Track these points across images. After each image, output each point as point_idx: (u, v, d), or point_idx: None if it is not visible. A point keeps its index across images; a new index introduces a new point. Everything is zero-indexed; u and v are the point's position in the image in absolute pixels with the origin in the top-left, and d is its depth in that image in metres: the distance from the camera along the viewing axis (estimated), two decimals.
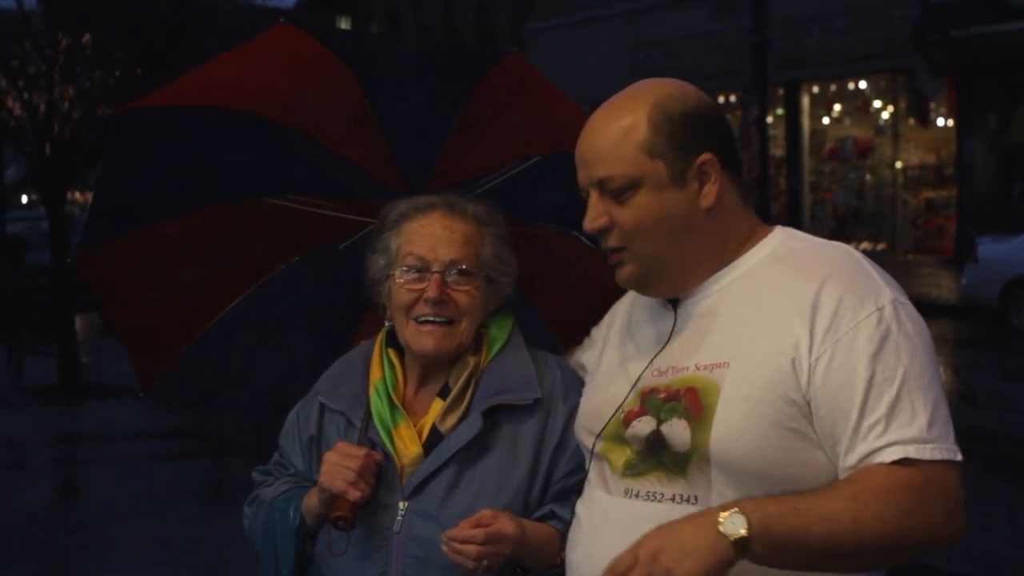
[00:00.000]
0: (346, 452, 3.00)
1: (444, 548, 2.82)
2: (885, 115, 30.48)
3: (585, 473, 2.88)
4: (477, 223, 3.15)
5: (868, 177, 31.26)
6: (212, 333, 3.72)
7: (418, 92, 3.37)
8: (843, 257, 2.68)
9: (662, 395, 2.68)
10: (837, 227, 31.06)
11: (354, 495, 2.94)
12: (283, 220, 3.57)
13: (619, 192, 2.67)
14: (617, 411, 2.77)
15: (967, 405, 14.01)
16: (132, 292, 3.68)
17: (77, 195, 44.26)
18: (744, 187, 2.81)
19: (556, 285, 3.72)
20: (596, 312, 3.22)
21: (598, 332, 3.20)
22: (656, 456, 2.65)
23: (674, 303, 2.81)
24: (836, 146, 31.68)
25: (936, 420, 2.47)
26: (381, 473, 3.03)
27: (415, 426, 3.08)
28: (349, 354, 3.32)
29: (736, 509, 2.35)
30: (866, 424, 2.47)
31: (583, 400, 3.01)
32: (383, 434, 3.07)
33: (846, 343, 2.51)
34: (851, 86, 30.76)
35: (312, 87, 3.34)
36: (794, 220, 29.91)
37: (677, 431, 2.61)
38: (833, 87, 31.22)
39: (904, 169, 30.31)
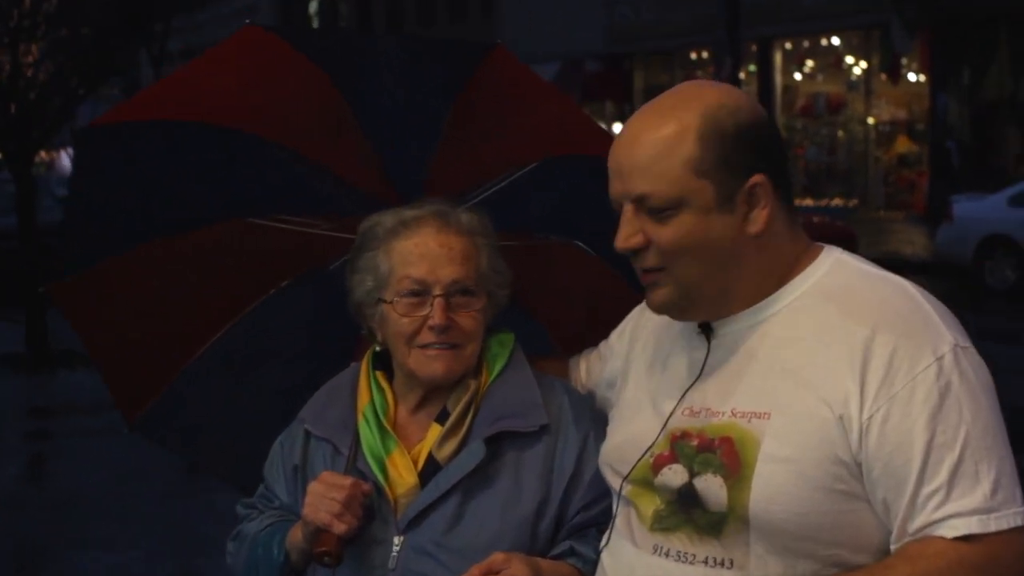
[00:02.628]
0: (331, 482, 2.80)
1: None
2: (858, 71, 30.47)
3: (612, 515, 2.67)
4: (471, 234, 2.93)
5: (840, 133, 31.26)
6: (198, 366, 3.53)
7: (402, 96, 3.14)
8: (897, 296, 2.42)
9: (695, 442, 2.45)
10: (809, 183, 31.07)
11: (339, 528, 2.74)
12: (270, 242, 3.36)
13: (659, 211, 2.42)
14: (645, 454, 2.55)
15: None
16: (109, 324, 3.47)
17: (43, 154, 43.67)
18: (793, 210, 2.54)
19: (560, 299, 3.52)
20: (603, 326, 3.03)
21: (619, 342, 2.97)
22: (687, 511, 2.43)
23: (706, 329, 2.57)
24: (808, 102, 31.67)
25: (1001, 484, 2.24)
26: (373, 505, 2.83)
27: (409, 453, 2.88)
28: (336, 378, 3.11)
29: None
30: (924, 493, 2.24)
31: (610, 431, 2.78)
32: (372, 463, 2.86)
33: (902, 400, 2.27)
34: (824, 42, 30.73)
35: (288, 94, 3.12)
36: None
37: (712, 488, 2.39)
38: (806, 43, 31.17)
39: (876, 125, 30.27)
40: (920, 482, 2.24)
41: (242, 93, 3.10)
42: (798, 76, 31.73)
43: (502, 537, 2.75)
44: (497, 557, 2.64)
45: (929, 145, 28.24)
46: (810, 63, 31.53)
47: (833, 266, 2.52)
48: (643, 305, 2.91)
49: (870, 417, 2.28)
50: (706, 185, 2.41)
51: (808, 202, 29.71)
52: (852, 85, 30.65)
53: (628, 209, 2.45)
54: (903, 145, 30.00)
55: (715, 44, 27.20)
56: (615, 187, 2.49)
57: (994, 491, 2.22)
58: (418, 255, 2.87)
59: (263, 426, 3.22)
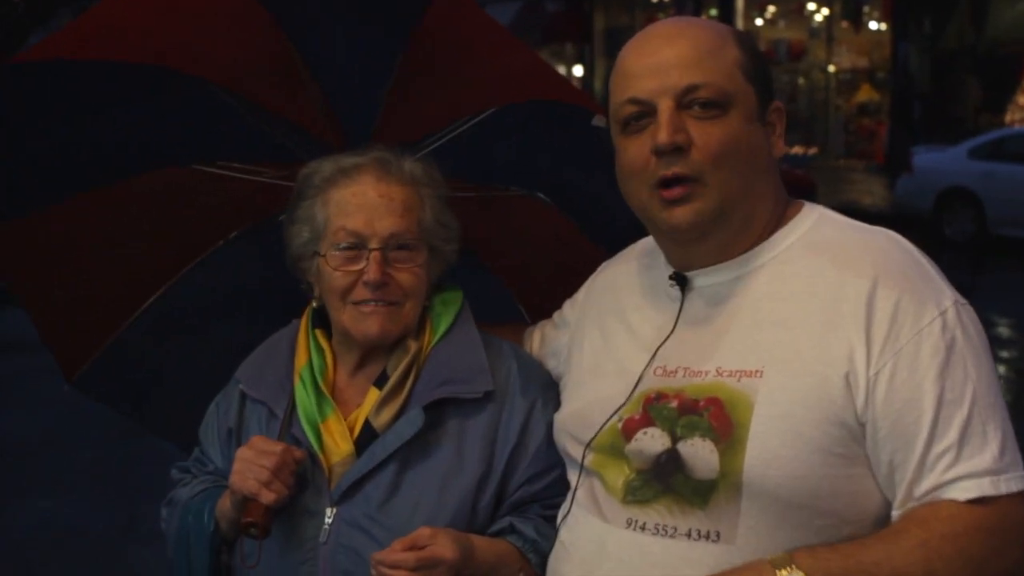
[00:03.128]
0: (260, 448, 2.60)
1: (372, 572, 2.44)
2: (819, 18, 30.29)
3: (568, 487, 2.49)
4: (415, 184, 2.72)
5: (801, 80, 31.13)
6: (141, 322, 3.35)
7: (350, 36, 2.89)
8: (894, 248, 2.29)
9: (674, 404, 2.28)
10: None
11: (268, 497, 2.55)
12: (216, 190, 3.14)
13: (708, 105, 2.26)
14: (612, 417, 2.38)
15: None
16: (45, 278, 3.27)
17: None
18: None
19: (522, 254, 3.33)
20: (566, 283, 2.84)
21: (571, 310, 2.80)
22: (664, 480, 2.26)
23: (680, 281, 2.41)
24: (769, 48, 31.45)
25: (1008, 445, 2.13)
26: (306, 474, 2.64)
27: (347, 419, 2.68)
28: (275, 335, 2.90)
29: (792, 565, 2.05)
30: (935, 452, 2.11)
31: (566, 398, 2.61)
32: (308, 428, 2.67)
33: (909, 354, 2.14)
34: None
35: (229, 33, 2.86)
36: None
37: (701, 454, 2.22)
38: None
39: (837, 73, 30.17)
40: (931, 440, 2.11)
41: (181, 32, 2.84)
42: (759, 21, 31.52)
43: (440, 512, 2.57)
44: (423, 532, 2.46)
45: (890, 94, 28.14)
46: (772, 8, 31.35)
47: (819, 220, 2.39)
48: (599, 270, 2.77)
49: (877, 372, 2.15)
50: (751, 91, 2.31)
51: None
52: (814, 32, 30.50)
53: (668, 106, 2.27)
54: (864, 93, 29.90)
55: None
56: (646, 85, 2.30)
57: (1002, 452, 2.12)
58: (355, 205, 2.66)
59: (211, 385, 3.02)
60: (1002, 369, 11.74)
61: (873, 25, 28.90)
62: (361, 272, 2.63)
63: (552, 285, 2.95)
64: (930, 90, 27.38)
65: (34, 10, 16.58)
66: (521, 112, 2.90)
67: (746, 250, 2.35)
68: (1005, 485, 2.08)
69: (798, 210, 2.41)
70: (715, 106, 2.26)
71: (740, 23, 31.23)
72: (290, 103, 2.99)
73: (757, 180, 2.32)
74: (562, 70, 38.54)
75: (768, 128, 2.35)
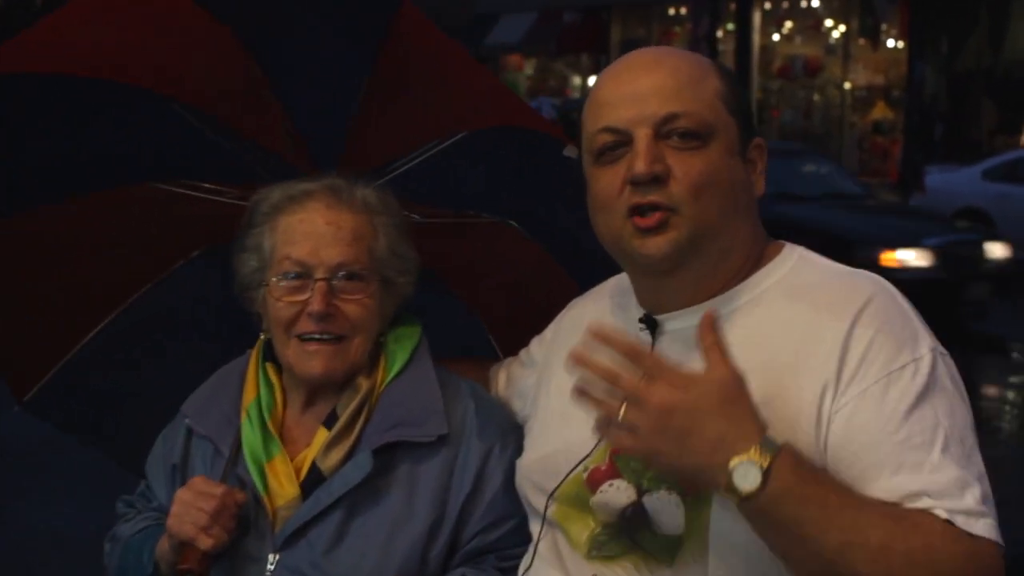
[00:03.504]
0: (200, 489, 2.48)
1: None
2: (836, 34, 30.22)
3: (529, 539, 2.37)
4: (367, 212, 2.59)
5: (816, 97, 31.05)
6: (96, 342, 3.22)
7: (315, 58, 2.77)
8: (876, 292, 2.16)
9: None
10: None
11: (205, 543, 2.43)
12: (176, 209, 3.01)
13: (688, 135, 2.15)
14: (577, 467, 2.25)
15: None
16: None
17: None
18: None
19: (494, 283, 3.21)
20: (539, 315, 2.72)
21: (539, 348, 2.68)
22: (632, 535, 2.14)
23: (649, 324, 2.29)
24: (786, 64, 31.46)
25: (987, 497, 1.98)
26: (249, 517, 2.52)
27: (294, 460, 2.55)
28: (226, 367, 2.78)
29: (761, 460, 1.89)
30: (901, 486, 1.96)
31: (529, 443, 2.48)
32: (253, 469, 2.54)
33: (873, 396, 2.02)
34: (803, 3, 30.53)
35: (191, 50, 2.73)
36: None
37: (667, 508, 2.11)
38: (785, 4, 30.94)
39: (853, 90, 30.08)
40: (887, 487, 1.97)
41: (135, 44, 2.70)
42: (776, 37, 31.46)
43: (388, 561, 2.45)
44: None
45: (905, 113, 28.03)
46: (789, 24, 31.27)
47: (798, 262, 2.27)
48: (568, 307, 2.65)
49: (838, 411, 2.03)
50: (733, 124, 2.21)
51: None
52: (830, 49, 30.42)
53: (645, 135, 2.16)
54: (879, 111, 29.80)
55: (693, 1, 26.88)
56: (622, 113, 2.19)
57: (983, 499, 1.97)
58: (301, 233, 2.54)
59: (168, 410, 2.87)
60: (1011, 395, 11.59)
61: (890, 43, 28.81)
62: (306, 303, 2.51)
63: (525, 317, 2.84)
64: (945, 110, 27.28)
65: (51, 7, 16.46)
66: (490, 137, 2.78)
67: (721, 291, 2.23)
68: (982, 528, 1.94)
69: (777, 251, 2.29)
70: (695, 137, 2.16)
71: (757, 39, 31.21)
72: (255, 124, 2.88)
73: (736, 216, 2.21)
74: (577, 81, 38.50)
75: (749, 165, 2.25)
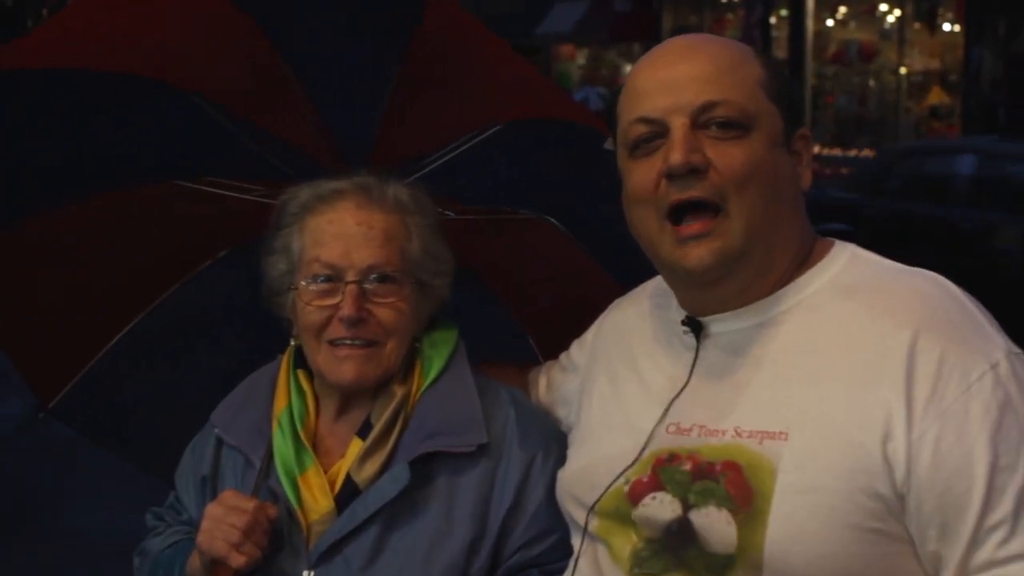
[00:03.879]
0: (231, 504, 2.38)
1: None
2: (891, 19, 29.88)
3: (571, 553, 2.25)
4: (400, 212, 2.48)
5: (871, 82, 30.72)
6: (121, 347, 3.14)
7: (344, 52, 2.67)
8: (938, 293, 2.03)
9: (687, 467, 2.04)
10: (838, 132, 30.64)
11: (237, 561, 2.34)
12: (202, 208, 2.92)
13: (728, 125, 2.03)
14: (619, 479, 2.13)
15: None
16: (16, 298, 3.06)
17: None
18: None
19: (533, 282, 3.10)
20: (580, 317, 2.60)
21: (579, 352, 2.56)
22: (677, 552, 2.02)
23: (695, 327, 2.16)
24: (840, 49, 31.13)
25: None
26: (282, 532, 2.42)
27: (328, 471, 2.45)
28: (256, 374, 2.67)
29: None
30: (987, 525, 1.85)
31: (571, 454, 2.36)
32: (285, 482, 2.44)
33: (956, 415, 1.88)
34: None
35: (218, 46, 2.63)
36: None
37: (716, 525, 1.97)
38: None
39: (908, 75, 29.74)
40: (983, 512, 1.86)
41: (157, 39, 2.62)
42: (830, 22, 31.12)
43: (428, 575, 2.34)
44: None
45: (962, 98, 27.69)
46: (843, 9, 30.94)
47: (851, 260, 2.13)
48: (609, 309, 2.53)
49: (920, 437, 1.88)
50: (775, 112, 2.07)
51: (836, 152, 29.29)
52: (885, 33, 30.06)
53: (682, 125, 2.03)
54: (935, 96, 29.44)
55: None
56: (658, 102, 2.07)
57: None
58: (331, 234, 2.44)
59: (196, 415, 2.77)
60: None
61: (946, 27, 28.46)
62: (337, 307, 2.40)
63: (564, 316, 2.74)
64: (1005, 94, 26.91)
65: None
66: (527, 130, 2.68)
67: (768, 293, 2.10)
68: None
69: (827, 249, 2.16)
70: (735, 126, 2.03)
71: (811, 24, 30.91)
72: (282, 120, 2.78)
73: (783, 213, 2.07)
74: (629, 69, 38.31)
75: (794, 157, 2.11)
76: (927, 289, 2.04)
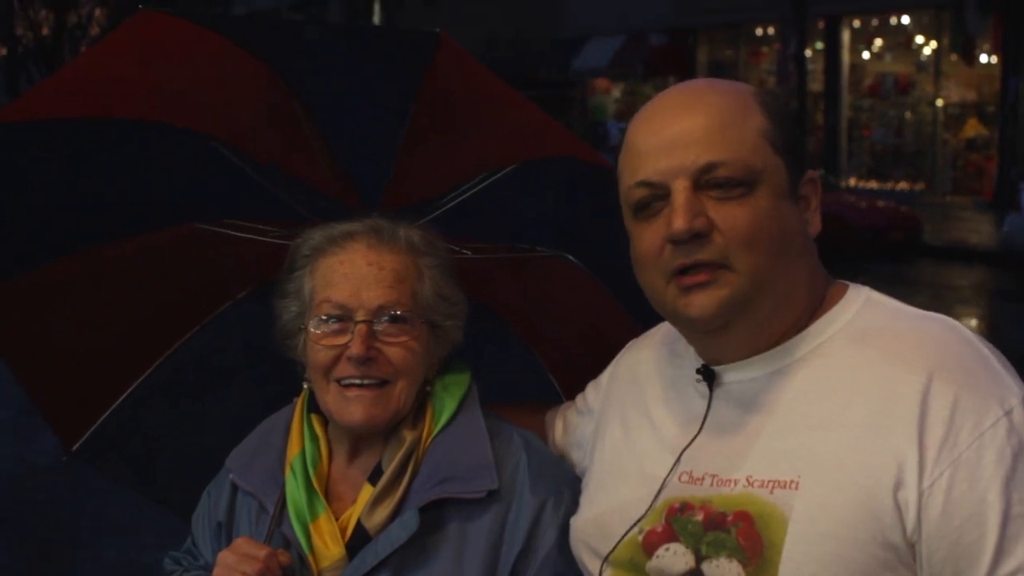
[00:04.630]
0: (244, 552, 2.36)
1: None
2: (927, 51, 29.86)
3: None
4: (412, 253, 2.46)
5: (907, 115, 30.68)
6: (144, 388, 3.13)
7: (357, 92, 2.67)
8: (952, 338, 1.98)
9: (699, 517, 2.01)
10: (875, 165, 30.56)
11: None
12: (221, 250, 2.92)
13: (729, 185, 1.97)
14: (632, 528, 2.10)
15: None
16: (37, 343, 3.06)
17: None
18: None
19: (554, 321, 3.07)
20: (602, 357, 2.57)
21: (595, 395, 2.53)
22: None
23: (707, 376, 2.13)
24: (876, 82, 31.11)
25: None
26: None
27: (339, 517, 2.42)
28: (270, 419, 2.66)
29: None
30: (1000, 574, 1.81)
31: (585, 501, 2.32)
32: (297, 528, 2.42)
33: (968, 462, 1.84)
34: (893, 21, 30.18)
35: (226, 86, 2.64)
36: (830, 157, 29.51)
37: None
38: (875, 21, 30.62)
39: (945, 107, 29.65)
40: (996, 561, 1.81)
41: (171, 84, 2.63)
42: (866, 55, 31.12)
43: None
44: None
45: (999, 129, 27.56)
46: (879, 42, 30.93)
47: (865, 305, 2.08)
48: (623, 352, 2.49)
49: (932, 484, 1.84)
50: (780, 164, 2.01)
51: (873, 185, 29.22)
52: (921, 65, 30.02)
53: (684, 187, 1.98)
54: (972, 128, 29.33)
55: (782, 20, 26.69)
56: (657, 164, 2.02)
57: None
58: (342, 275, 2.42)
59: (218, 455, 2.75)
60: None
61: (983, 58, 28.37)
62: (346, 346, 2.38)
63: (585, 355, 2.72)
64: None
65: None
66: (543, 168, 2.67)
67: (779, 342, 2.06)
68: None
69: (841, 293, 2.11)
70: (739, 185, 1.98)
71: (847, 57, 30.91)
72: (299, 161, 2.78)
73: (791, 265, 2.03)
74: None
75: (802, 203, 2.07)
76: (940, 334, 2.00)
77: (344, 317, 2.40)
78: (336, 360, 2.40)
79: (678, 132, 2.01)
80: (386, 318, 2.40)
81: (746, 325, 2.04)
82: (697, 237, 1.97)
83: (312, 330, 2.43)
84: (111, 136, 2.69)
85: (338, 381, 2.41)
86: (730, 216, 1.97)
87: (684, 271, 2.00)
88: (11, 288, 2.92)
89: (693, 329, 2.10)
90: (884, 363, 1.96)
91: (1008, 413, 1.87)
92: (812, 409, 1.98)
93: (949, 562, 1.84)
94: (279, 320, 2.54)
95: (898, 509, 1.86)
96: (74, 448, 3.16)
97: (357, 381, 2.39)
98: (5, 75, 50.10)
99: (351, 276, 2.41)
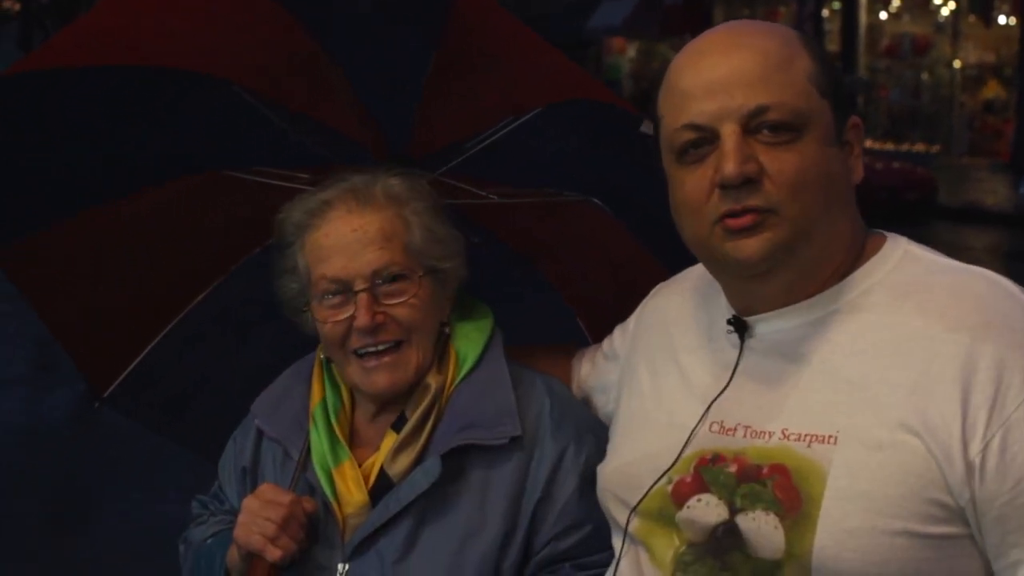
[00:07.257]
0: (268, 498, 2.38)
1: None
2: (945, 12, 29.62)
3: (608, 546, 2.20)
4: (394, 205, 2.45)
5: (925, 76, 30.46)
6: (175, 335, 3.17)
7: (379, 36, 2.63)
8: (995, 293, 1.94)
9: (732, 468, 1.98)
10: (891, 127, 30.40)
11: (273, 554, 2.34)
12: (249, 197, 2.92)
13: (779, 128, 1.92)
14: (661, 479, 2.07)
15: None
16: (68, 293, 3.09)
17: None
18: None
19: (582, 265, 3.06)
20: (629, 302, 2.55)
21: (621, 340, 2.51)
22: (722, 556, 1.95)
23: (739, 326, 2.10)
24: (893, 43, 30.90)
25: None
26: (317, 525, 2.42)
27: (363, 464, 2.44)
28: (295, 365, 2.67)
29: None
30: None
31: (611, 448, 2.29)
32: (321, 475, 2.43)
33: (1019, 423, 1.80)
34: None
35: (248, 33, 2.61)
36: None
37: (764, 530, 1.91)
38: None
39: (963, 69, 29.46)
40: None
41: (195, 33, 2.62)
42: (883, 15, 30.90)
43: (460, 573, 2.32)
44: None
45: (1017, 92, 27.39)
46: (896, 2, 30.70)
47: (903, 258, 2.05)
48: (650, 296, 2.47)
49: (984, 447, 1.80)
50: (827, 108, 1.97)
51: (889, 146, 29.08)
52: (939, 26, 29.81)
53: (734, 131, 1.94)
54: (990, 90, 29.17)
55: None
56: (705, 107, 1.97)
57: None
58: (329, 248, 2.42)
59: (248, 401, 2.77)
60: None
61: (1001, 19, 28.18)
62: (352, 319, 2.39)
63: (613, 299, 2.71)
64: None
65: None
66: (567, 112, 2.65)
67: (816, 292, 2.03)
68: None
69: (879, 245, 2.06)
70: (788, 129, 1.93)
71: (864, 17, 30.71)
72: (323, 106, 2.77)
73: (836, 211, 1.99)
74: None
75: (846, 149, 2.02)
76: (983, 289, 1.96)
77: (343, 290, 2.40)
78: (347, 333, 2.41)
79: (726, 74, 1.96)
80: (384, 280, 2.39)
81: (789, 271, 2.01)
82: (748, 183, 1.93)
83: (315, 309, 2.44)
84: (135, 84, 2.67)
85: (355, 352, 2.42)
86: (779, 161, 1.93)
87: (731, 215, 1.96)
88: (41, 239, 2.94)
89: (738, 274, 2.05)
90: (923, 319, 1.92)
91: None
92: (851, 363, 1.95)
93: (1000, 522, 1.82)
94: (284, 299, 2.56)
95: (940, 469, 1.83)
96: (105, 395, 3.19)
97: (372, 348, 2.40)
98: (19, 30, 50.03)
99: (338, 247, 2.40)
